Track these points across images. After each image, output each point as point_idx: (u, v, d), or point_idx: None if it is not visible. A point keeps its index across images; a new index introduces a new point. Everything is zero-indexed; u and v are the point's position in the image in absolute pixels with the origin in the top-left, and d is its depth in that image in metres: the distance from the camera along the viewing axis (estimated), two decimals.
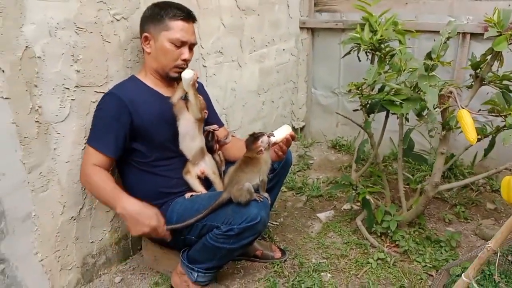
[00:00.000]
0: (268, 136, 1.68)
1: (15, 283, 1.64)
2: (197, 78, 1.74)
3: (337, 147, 3.43)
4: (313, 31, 3.32)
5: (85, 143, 1.76)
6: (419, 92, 1.82)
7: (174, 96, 1.75)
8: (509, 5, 2.51)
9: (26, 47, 1.52)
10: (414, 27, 2.68)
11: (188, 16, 1.76)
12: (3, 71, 1.46)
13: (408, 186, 2.52)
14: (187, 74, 1.69)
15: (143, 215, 1.58)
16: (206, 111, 1.79)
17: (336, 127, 3.45)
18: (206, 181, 1.87)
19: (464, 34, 2.65)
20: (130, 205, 1.58)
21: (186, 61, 1.78)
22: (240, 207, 1.59)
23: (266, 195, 1.68)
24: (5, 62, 1.46)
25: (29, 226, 1.65)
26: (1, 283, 1.60)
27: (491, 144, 2.10)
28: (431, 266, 1.99)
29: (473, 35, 2.64)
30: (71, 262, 1.84)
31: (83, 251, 1.89)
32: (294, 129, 3.58)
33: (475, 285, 1.17)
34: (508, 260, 2.04)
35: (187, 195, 1.80)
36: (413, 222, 2.28)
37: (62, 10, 1.60)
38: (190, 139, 1.78)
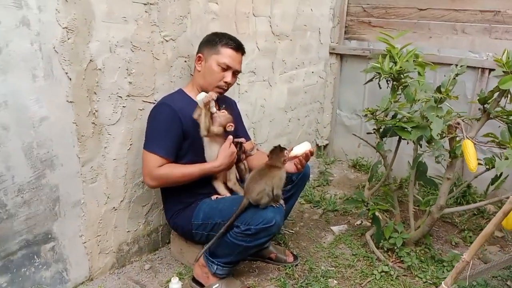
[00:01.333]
0: (290, 150, 1.92)
1: (61, 260, 1.93)
2: (210, 100, 1.89)
3: (357, 167, 3.61)
4: (341, 56, 3.55)
5: (130, 145, 2.04)
6: (428, 121, 2.00)
7: (194, 113, 1.96)
8: None
9: (90, 60, 1.81)
10: (436, 60, 2.88)
11: (238, 47, 2.04)
12: (70, 79, 1.76)
13: (418, 208, 2.68)
14: (199, 96, 1.91)
15: (229, 154, 1.95)
16: (231, 124, 1.98)
17: (357, 148, 3.63)
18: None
19: (483, 69, 2.81)
20: (219, 159, 1.94)
21: (228, 84, 2.05)
22: (258, 210, 1.82)
23: (282, 202, 1.91)
24: (73, 72, 1.76)
25: (77, 212, 1.93)
26: (51, 258, 1.88)
27: (497, 175, 2.25)
28: (431, 282, 2.14)
29: (492, 71, 2.79)
30: (109, 247, 2.11)
31: (120, 238, 2.15)
32: (318, 146, 3.80)
33: None
34: (507, 284, 2.17)
35: (214, 197, 2.05)
36: (420, 242, 2.44)
37: (122, 30, 1.90)
38: (209, 149, 2.01)
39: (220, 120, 1.94)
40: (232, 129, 1.98)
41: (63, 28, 1.68)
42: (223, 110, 1.98)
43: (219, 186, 2.06)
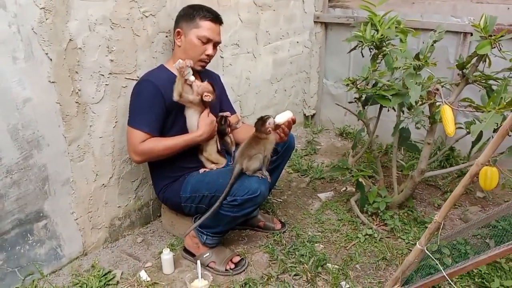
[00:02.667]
0: (274, 118, 1.96)
1: (55, 236, 1.98)
2: (184, 66, 1.90)
3: (344, 135, 3.67)
4: (326, 25, 3.54)
5: (115, 122, 2.07)
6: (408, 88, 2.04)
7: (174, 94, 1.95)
8: (508, 8, 2.68)
9: (70, 39, 1.82)
10: (420, 26, 2.89)
11: (216, 18, 2.05)
12: (51, 59, 1.77)
13: (401, 172, 2.75)
14: (176, 64, 1.92)
15: (209, 123, 2.01)
16: (208, 94, 1.98)
17: (344, 116, 3.67)
18: None
19: (465, 33, 2.83)
20: (201, 128, 1.99)
21: (210, 56, 2.07)
22: (243, 181, 1.88)
23: (266, 174, 1.96)
24: (53, 52, 1.77)
25: (67, 190, 1.98)
26: (44, 235, 1.94)
27: (478, 138, 2.31)
28: (413, 243, 2.23)
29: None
30: (101, 223, 2.17)
31: (111, 214, 2.21)
32: (305, 116, 3.84)
33: (426, 251, 1.42)
34: (486, 242, 2.27)
35: (201, 170, 2.09)
36: (403, 205, 2.52)
37: (100, 8, 1.89)
38: (189, 120, 2.03)
39: (196, 89, 1.97)
40: (209, 99, 1.98)
41: (41, 8, 1.67)
42: (205, 82, 2.00)
43: (205, 160, 2.11)
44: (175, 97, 1.93)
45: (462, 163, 3.01)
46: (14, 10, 1.60)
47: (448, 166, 3.00)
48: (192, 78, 1.95)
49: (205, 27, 2.01)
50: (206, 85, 1.99)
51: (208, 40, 2.02)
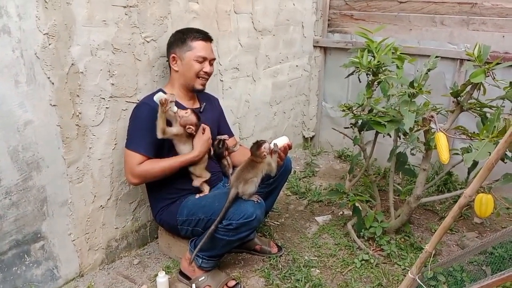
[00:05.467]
0: (270, 143, 1.98)
1: (51, 258, 1.99)
2: (166, 101, 1.89)
3: (343, 157, 3.69)
4: (325, 49, 3.60)
5: (115, 144, 2.10)
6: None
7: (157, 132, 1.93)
8: (503, 36, 2.73)
9: (72, 64, 1.86)
10: (417, 52, 2.94)
11: (206, 37, 2.12)
12: (52, 83, 1.81)
13: (398, 197, 2.76)
14: (155, 96, 1.92)
15: (204, 141, 2.04)
16: (190, 127, 1.97)
17: (343, 139, 3.70)
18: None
19: (461, 60, 2.88)
20: (197, 148, 2.02)
21: (208, 74, 2.13)
22: (239, 205, 1.89)
23: (260, 198, 1.98)
24: (55, 76, 1.81)
25: (65, 211, 1.99)
26: (41, 256, 1.95)
27: (474, 164, 2.33)
28: (409, 269, 2.23)
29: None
30: (98, 244, 2.18)
31: (108, 235, 2.22)
32: (304, 138, 3.86)
33: (418, 280, 1.42)
34: (483, 269, 2.26)
35: (197, 195, 2.11)
36: (400, 230, 2.52)
37: (103, 33, 1.95)
38: (182, 151, 2.04)
39: (180, 120, 1.96)
40: (192, 131, 1.99)
41: (44, 34, 1.72)
42: (187, 111, 1.98)
43: (201, 184, 2.12)
44: (159, 135, 1.92)
45: (460, 188, 3.02)
46: (18, 35, 1.65)
47: (446, 191, 3.01)
48: (175, 108, 1.95)
49: (198, 47, 2.07)
50: (189, 116, 1.97)
51: (204, 59, 2.09)
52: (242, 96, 2.97)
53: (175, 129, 1.97)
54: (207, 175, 2.13)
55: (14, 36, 1.64)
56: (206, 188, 2.12)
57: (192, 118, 1.98)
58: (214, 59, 2.19)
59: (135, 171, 1.95)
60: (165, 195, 2.10)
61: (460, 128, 1.98)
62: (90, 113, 1.98)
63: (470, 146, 2.41)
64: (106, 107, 2.04)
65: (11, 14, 1.61)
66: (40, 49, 1.73)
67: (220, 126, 2.34)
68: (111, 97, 2.04)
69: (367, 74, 2.49)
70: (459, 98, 2.13)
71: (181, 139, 2.02)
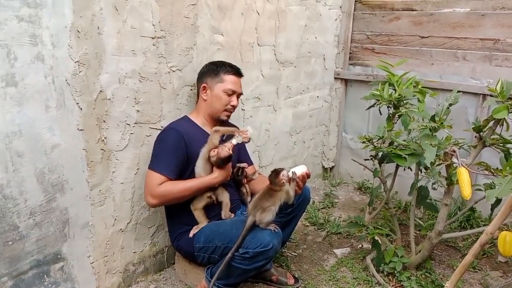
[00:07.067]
0: (288, 171, 1.99)
1: (70, 279, 2.01)
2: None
3: (363, 189, 3.66)
4: (346, 81, 3.63)
5: (137, 169, 2.15)
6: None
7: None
8: None
9: (100, 91, 1.94)
10: (439, 86, 2.95)
11: (238, 72, 2.23)
12: (81, 108, 1.88)
13: (419, 232, 2.70)
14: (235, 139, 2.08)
15: (225, 171, 2.09)
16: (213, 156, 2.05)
17: (363, 170, 3.67)
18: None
19: (484, 95, 2.86)
20: (215, 172, 2.07)
21: (234, 107, 2.22)
22: (256, 234, 1.89)
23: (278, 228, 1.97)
24: (84, 102, 1.88)
25: (86, 233, 2.03)
26: (60, 277, 1.97)
27: (497, 201, 2.28)
28: None
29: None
30: (116, 267, 2.20)
31: (126, 259, 2.24)
32: (323, 168, 3.85)
33: None
34: None
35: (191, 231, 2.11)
36: (421, 266, 2.46)
37: (131, 63, 2.03)
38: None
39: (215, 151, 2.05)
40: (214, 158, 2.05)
41: (75, 62, 1.81)
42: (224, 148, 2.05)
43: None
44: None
45: (483, 225, 2.94)
46: (51, 63, 1.73)
47: (469, 227, 2.93)
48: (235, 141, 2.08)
49: (229, 80, 2.16)
50: (225, 152, 2.03)
51: (233, 92, 2.17)
52: (263, 125, 3.00)
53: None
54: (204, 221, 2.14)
55: (47, 63, 1.72)
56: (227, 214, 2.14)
57: (224, 153, 2.03)
58: (242, 94, 2.28)
59: (155, 191, 1.98)
60: (183, 221, 2.12)
61: (482, 163, 1.96)
62: (115, 138, 2.04)
63: (493, 182, 2.37)
64: (131, 133, 2.10)
65: (46, 43, 1.70)
66: (70, 76, 1.81)
67: (240, 154, 2.37)
68: (135, 123, 2.11)
69: (388, 107, 2.50)
70: (481, 133, 2.11)
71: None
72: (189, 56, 2.29)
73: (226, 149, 2.01)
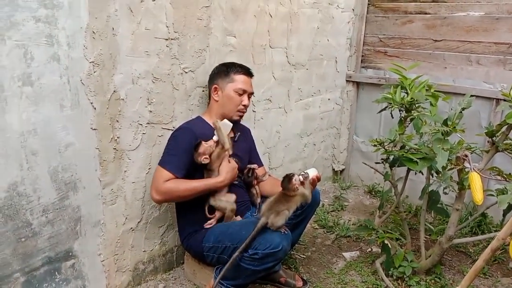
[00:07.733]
0: (299, 175, 1.99)
1: (80, 277, 2.04)
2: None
3: (373, 193, 3.64)
4: (358, 84, 3.62)
5: (148, 169, 2.17)
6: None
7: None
8: None
9: (114, 91, 1.96)
10: (452, 90, 2.92)
11: (248, 72, 2.25)
12: (95, 108, 1.91)
13: (430, 237, 2.68)
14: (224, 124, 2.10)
15: (231, 169, 2.11)
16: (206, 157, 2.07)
17: (373, 174, 3.66)
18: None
19: (497, 100, 2.83)
20: (222, 175, 2.08)
21: (246, 106, 2.24)
22: (265, 235, 1.90)
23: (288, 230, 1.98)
24: (97, 102, 1.91)
25: (97, 231, 2.05)
26: (71, 274, 2.00)
27: (509, 206, 2.25)
28: None
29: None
30: (125, 266, 2.22)
31: (136, 258, 2.26)
32: (334, 171, 3.85)
33: None
34: None
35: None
36: (431, 271, 2.44)
37: (144, 63, 2.05)
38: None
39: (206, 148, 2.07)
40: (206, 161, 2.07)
41: (90, 62, 1.83)
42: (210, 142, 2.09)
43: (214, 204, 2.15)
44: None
45: (495, 230, 2.91)
46: (66, 63, 1.76)
47: (480, 232, 2.90)
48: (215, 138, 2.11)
49: (239, 80, 2.18)
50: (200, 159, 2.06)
51: (244, 92, 2.19)
52: (273, 127, 3.01)
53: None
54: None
55: (62, 63, 1.75)
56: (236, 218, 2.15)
57: (211, 149, 2.06)
58: (253, 93, 2.29)
59: (161, 188, 1.99)
60: (193, 220, 2.14)
61: (495, 169, 1.94)
62: (127, 138, 2.06)
63: (505, 188, 2.35)
64: (143, 133, 2.12)
65: (62, 43, 1.73)
66: (85, 76, 1.83)
67: (251, 156, 2.38)
68: (148, 123, 2.13)
69: (399, 110, 2.49)
70: (494, 138, 2.09)
71: (211, 165, 2.09)
72: (201, 57, 2.31)
73: (203, 158, 2.04)
